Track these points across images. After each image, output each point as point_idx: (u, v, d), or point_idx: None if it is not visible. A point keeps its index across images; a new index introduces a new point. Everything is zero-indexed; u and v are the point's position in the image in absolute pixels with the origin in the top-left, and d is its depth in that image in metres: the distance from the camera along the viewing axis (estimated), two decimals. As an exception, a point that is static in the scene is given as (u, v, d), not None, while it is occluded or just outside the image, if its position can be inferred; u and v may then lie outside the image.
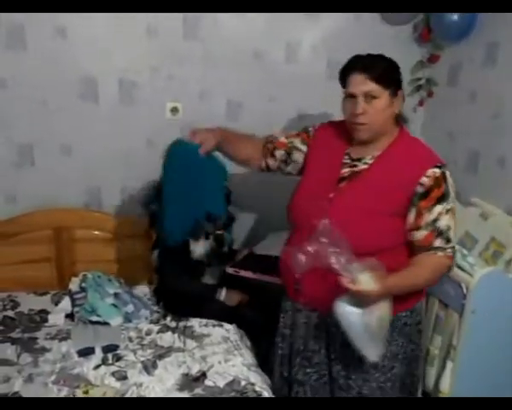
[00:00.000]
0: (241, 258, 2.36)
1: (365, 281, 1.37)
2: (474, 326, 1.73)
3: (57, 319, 2.13)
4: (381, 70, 1.51)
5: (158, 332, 2.09)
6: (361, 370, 1.63)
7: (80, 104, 2.31)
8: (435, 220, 1.50)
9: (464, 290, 1.72)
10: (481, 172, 2.33)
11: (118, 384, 1.76)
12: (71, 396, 1.67)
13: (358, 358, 1.54)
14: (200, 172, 1.75)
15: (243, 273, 2.21)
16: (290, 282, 1.66)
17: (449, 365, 1.80)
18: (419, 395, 1.94)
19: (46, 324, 2.11)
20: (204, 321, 2.15)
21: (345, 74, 1.55)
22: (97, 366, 1.85)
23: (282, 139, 1.77)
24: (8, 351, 1.91)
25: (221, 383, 1.77)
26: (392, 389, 1.67)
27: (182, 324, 2.15)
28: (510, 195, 2.15)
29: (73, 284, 2.27)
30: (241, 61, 2.41)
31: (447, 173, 1.52)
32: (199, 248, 2.16)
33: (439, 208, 1.50)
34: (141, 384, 1.75)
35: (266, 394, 1.73)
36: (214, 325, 2.13)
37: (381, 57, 1.56)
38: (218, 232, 2.25)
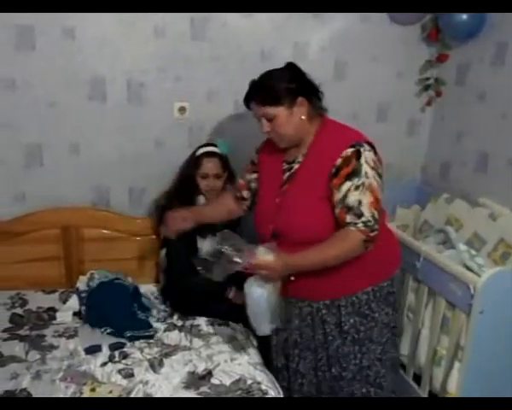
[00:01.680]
0: None
1: (262, 253, 1.57)
2: (481, 327, 1.71)
3: (65, 316, 2.15)
4: (266, 94, 1.62)
5: (165, 331, 2.10)
6: (357, 344, 1.72)
7: (88, 104, 2.32)
8: (344, 197, 1.57)
9: (472, 291, 1.70)
10: (490, 173, 2.31)
11: (124, 382, 1.77)
12: (78, 393, 1.69)
13: (353, 334, 1.70)
14: None
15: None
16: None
17: (456, 365, 1.78)
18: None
19: (54, 321, 2.13)
20: (210, 320, 2.16)
21: (246, 102, 1.72)
22: (104, 364, 1.87)
23: (241, 182, 1.94)
24: (17, 348, 1.93)
25: (227, 382, 1.78)
26: (392, 360, 1.81)
27: (188, 322, 2.16)
28: (520, 195, 2.13)
29: (81, 283, 2.29)
30: (248, 61, 2.41)
31: (362, 150, 1.58)
32: (206, 245, 2.17)
33: (347, 185, 1.56)
34: (147, 382, 1.77)
35: (272, 392, 1.73)
36: (221, 324, 2.14)
37: (273, 76, 1.65)
38: (226, 230, 2.25)
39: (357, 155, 1.57)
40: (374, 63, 2.55)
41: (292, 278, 1.69)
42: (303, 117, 1.64)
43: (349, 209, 1.55)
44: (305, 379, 1.82)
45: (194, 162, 2.21)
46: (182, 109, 2.41)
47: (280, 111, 1.61)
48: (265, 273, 1.59)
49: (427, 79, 2.58)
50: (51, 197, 2.38)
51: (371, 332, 1.72)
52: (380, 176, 1.60)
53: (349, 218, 1.56)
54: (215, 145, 2.27)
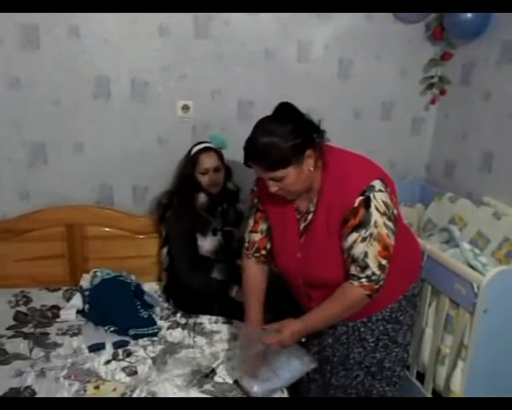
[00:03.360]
0: None
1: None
2: (485, 326, 1.70)
3: (68, 314, 2.16)
4: (273, 158, 1.46)
5: (168, 329, 2.10)
6: (385, 348, 1.70)
7: (93, 103, 2.33)
8: (350, 248, 1.51)
9: (476, 290, 1.69)
10: (495, 172, 2.30)
11: (128, 380, 1.77)
12: (82, 391, 1.69)
13: (386, 340, 1.69)
14: None
15: None
16: (303, 295, 1.73)
17: (460, 364, 1.78)
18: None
19: (58, 319, 2.14)
20: (214, 318, 2.17)
21: (246, 161, 1.55)
22: (108, 362, 1.87)
23: (258, 237, 1.76)
24: (21, 346, 1.94)
25: (230, 380, 1.78)
26: (407, 359, 1.80)
27: (192, 320, 2.16)
28: (524, 194, 2.13)
29: (84, 281, 2.30)
30: (252, 59, 2.41)
31: (372, 196, 1.47)
32: (206, 244, 2.18)
33: (353, 237, 1.50)
34: (150, 380, 1.77)
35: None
36: (224, 322, 2.14)
37: (274, 130, 1.47)
38: (227, 228, 2.26)
39: (367, 203, 1.47)
40: (378, 61, 2.54)
41: (303, 340, 1.68)
42: (311, 169, 1.53)
43: (354, 260, 1.51)
44: (338, 391, 1.77)
45: (191, 161, 2.21)
46: (185, 108, 2.41)
47: (289, 171, 1.48)
48: (279, 347, 1.60)
49: (432, 77, 2.57)
50: (55, 195, 2.39)
51: (397, 335, 1.70)
52: (391, 219, 1.51)
53: (353, 269, 1.52)
54: (208, 142, 2.27)
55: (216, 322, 2.15)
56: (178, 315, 2.20)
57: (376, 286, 1.52)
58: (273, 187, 1.54)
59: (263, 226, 1.75)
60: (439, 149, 2.70)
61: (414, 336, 2.03)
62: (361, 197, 1.48)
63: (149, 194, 2.51)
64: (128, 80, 2.34)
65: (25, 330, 2.05)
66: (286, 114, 1.52)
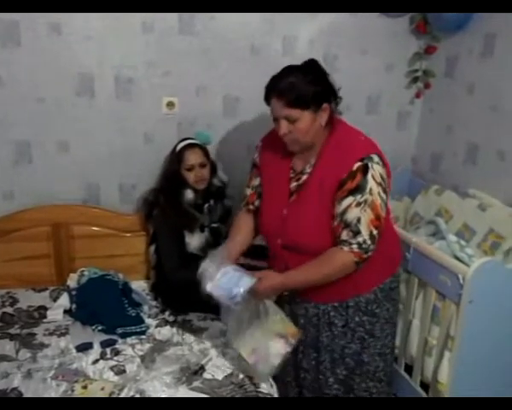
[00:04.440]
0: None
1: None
2: (471, 316, 1.72)
3: (56, 314, 2.14)
4: (296, 94, 1.51)
5: (156, 326, 2.09)
6: (361, 341, 1.72)
7: (77, 100, 2.30)
8: (343, 212, 1.53)
9: (461, 281, 1.71)
10: (480, 164, 2.32)
11: (116, 378, 1.77)
12: (69, 391, 1.68)
13: (359, 331, 1.70)
14: None
15: (243, 260, 2.20)
16: (279, 262, 1.73)
17: (446, 355, 1.79)
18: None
19: (45, 320, 2.12)
20: (202, 315, 2.16)
21: (266, 96, 1.60)
22: (96, 361, 1.86)
23: (250, 192, 1.84)
24: (7, 347, 1.92)
25: (219, 376, 1.78)
26: (390, 354, 1.82)
27: (180, 318, 2.16)
28: (509, 186, 2.14)
29: (72, 280, 2.28)
30: (237, 55, 2.40)
31: (370, 164, 1.52)
32: (194, 240, 2.17)
33: (348, 200, 1.52)
34: (139, 378, 1.76)
35: (264, 386, 1.74)
36: (213, 319, 2.14)
37: (300, 75, 1.54)
38: (214, 225, 2.26)
39: (365, 169, 1.51)
40: (363, 56, 2.54)
41: (285, 293, 1.71)
42: (322, 124, 1.58)
43: (346, 225, 1.52)
44: (309, 375, 1.82)
45: (176, 157, 2.20)
46: (170, 104, 2.39)
47: (305, 115, 1.53)
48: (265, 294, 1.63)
49: (416, 71, 2.59)
50: (41, 195, 2.36)
51: (373, 328, 1.72)
52: (385, 192, 1.55)
53: (344, 235, 1.53)
54: (193, 138, 2.27)
55: (204, 319, 2.15)
56: (167, 313, 2.19)
57: (365, 255, 1.53)
58: (284, 128, 1.55)
59: (255, 182, 1.81)
60: (424, 142, 2.71)
61: (401, 329, 2.07)
62: (359, 163, 1.51)
63: (136, 192, 2.49)
64: (112, 77, 2.31)
65: (11, 331, 2.03)
66: (312, 67, 1.59)
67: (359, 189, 1.51)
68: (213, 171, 2.29)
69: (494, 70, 2.21)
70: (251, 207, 1.84)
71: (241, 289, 1.57)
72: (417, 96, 2.65)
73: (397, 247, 1.83)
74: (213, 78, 2.41)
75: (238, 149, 2.48)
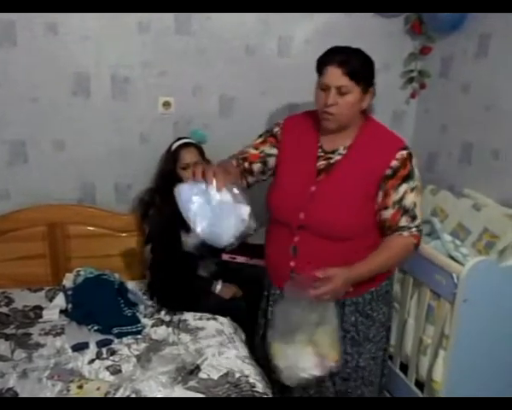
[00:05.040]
0: (234, 247, 2.36)
1: None
2: (465, 315, 1.73)
3: (51, 314, 2.14)
4: (357, 66, 1.54)
5: (152, 326, 2.09)
6: (356, 345, 1.71)
7: (73, 100, 2.30)
8: (401, 199, 1.56)
9: (455, 280, 1.72)
10: (474, 164, 2.33)
11: (112, 378, 1.76)
12: (65, 391, 1.67)
13: (354, 333, 1.68)
14: None
15: (239, 259, 2.21)
16: (283, 272, 1.68)
17: (441, 354, 1.80)
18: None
19: (40, 319, 2.11)
20: (198, 315, 2.16)
21: (322, 65, 1.59)
22: (91, 361, 1.86)
23: (253, 151, 1.75)
24: (2, 347, 1.92)
25: (215, 376, 1.78)
26: (383, 356, 1.81)
27: (176, 317, 2.15)
28: (503, 185, 2.16)
29: (67, 280, 2.28)
30: (233, 55, 2.41)
31: (412, 153, 1.60)
32: (190, 240, 2.17)
33: (404, 187, 1.56)
34: (135, 378, 1.75)
35: (260, 385, 1.74)
36: (209, 319, 2.14)
37: (358, 52, 1.59)
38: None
39: (410, 157, 1.58)
40: (359, 56, 2.55)
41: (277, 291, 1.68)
42: (364, 106, 1.61)
43: (405, 211, 1.56)
44: None
45: (172, 157, 2.21)
46: (166, 104, 2.40)
47: (356, 90, 1.54)
48: (331, 295, 1.48)
49: (411, 71, 2.60)
50: (36, 194, 2.36)
51: (368, 331, 1.71)
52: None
53: (404, 221, 1.56)
54: (188, 138, 2.27)
55: (200, 318, 2.14)
56: (163, 313, 2.19)
57: (421, 238, 1.59)
58: (332, 99, 1.54)
59: (265, 149, 1.75)
60: (420, 142, 2.72)
61: (397, 328, 2.08)
62: (405, 151, 1.57)
63: (132, 191, 2.49)
64: (108, 77, 2.31)
65: (6, 331, 2.02)
66: (364, 53, 1.61)
67: (411, 175, 1.57)
68: None
69: (488, 70, 2.22)
70: (245, 165, 1.74)
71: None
72: (412, 96, 2.66)
73: None
74: (209, 78, 2.42)
75: (234, 149, 2.45)
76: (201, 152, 2.25)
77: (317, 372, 1.56)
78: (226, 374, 1.79)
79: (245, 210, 1.44)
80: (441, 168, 2.56)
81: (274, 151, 1.74)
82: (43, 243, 2.36)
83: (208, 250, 2.25)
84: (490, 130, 2.23)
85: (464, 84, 2.37)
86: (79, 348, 1.92)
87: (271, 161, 1.75)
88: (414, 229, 1.56)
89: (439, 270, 1.81)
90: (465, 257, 1.97)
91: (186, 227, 2.17)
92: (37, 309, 2.18)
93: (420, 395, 1.97)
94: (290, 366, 1.56)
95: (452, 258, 1.96)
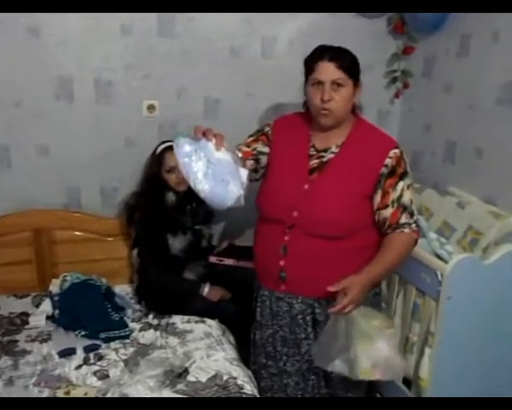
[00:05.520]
0: (222, 249, 2.36)
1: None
2: (450, 312, 1.75)
3: (38, 320, 2.12)
4: (348, 60, 1.61)
5: (140, 330, 2.08)
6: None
7: (56, 104, 2.28)
8: (400, 197, 1.60)
9: (439, 277, 1.73)
10: (458, 162, 2.36)
11: (99, 383, 1.75)
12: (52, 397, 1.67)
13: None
14: None
15: (227, 261, 2.21)
16: (272, 272, 1.68)
17: (427, 351, 1.81)
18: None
19: (27, 326, 2.09)
20: (186, 318, 2.16)
21: (312, 62, 1.62)
22: (79, 366, 1.84)
23: (245, 149, 1.74)
24: (-12, 355, 1.90)
25: (203, 378, 1.78)
26: None
27: (164, 321, 2.15)
28: (486, 183, 2.18)
29: (54, 286, 2.26)
30: (217, 57, 2.40)
31: (403, 152, 1.64)
32: (177, 243, 2.17)
33: (401, 185, 1.60)
34: (122, 383, 1.74)
35: (248, 387, 1.74)
36: (197, 321, 2.14)
37: (345, 49, 1.65)
38: (197, 227, 2.26)
39: (402, 155, 1.63)
40: (342, 57, 2.56)
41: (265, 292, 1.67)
42: (356, 101, 1.66)
43: (404, 208, 1.59)
44: (292, 380, 1.78)
45: (157, 160, 2.20)
46: (151, 107, 2.39)
47: (349, 84, 1.59)
48: (354, 306, 1.49)
49: (395, 71, 2.61)
50: (21, 200, 2.33)
51: None
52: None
53: (404, 218, 1.59)
54: (172, 141, 2.26)
55: (188, 321, 2.14)
56: (150, 316, 2.19)
57: (420, 233, 1.65)
58: (328, 94, 1.56)
59: (257, 147, 1.75)
60: (405, 141, 2.69)
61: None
62: (398, 149, 1.62)
63: (118, 195, 2.48)
64: (91, 80, 2.30)
65: (-8, 338, 2.01)
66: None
67: (405, 173, 1.61)
68: None
69: (470, 69, 2.24)
70: None
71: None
72: (396, 96, 2.68)
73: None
74: (194, 80, 2.41)
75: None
76: None
77: (392, 341, 1.58)
78: (214, 376, 1.79)
79: (244, 173, 1.42)
80: (425, 167, 2.58)
81: (266, 149, 1.75)
82: (29, 249, 2.34)
83: (194, 254, 2.26)
84: (472, 128, 2.25)
85: (447, 84, 2.39)
86: (66, 353, 1.90)
87: (264, 159, 1.75)
88: (414, 225, 1.61)
89: (424, 268, 1.82)
90: (450, 255, 1.99)
91: (172, 230, 2.18)
92: (24, 316, 2.16)
93: (407, 392, 1.98)
94: (382, 365, 1.53)
95: (438, 256, 1.98)
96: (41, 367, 1.83)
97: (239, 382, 1.76)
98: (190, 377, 1.79)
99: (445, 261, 1.88)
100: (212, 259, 2.25)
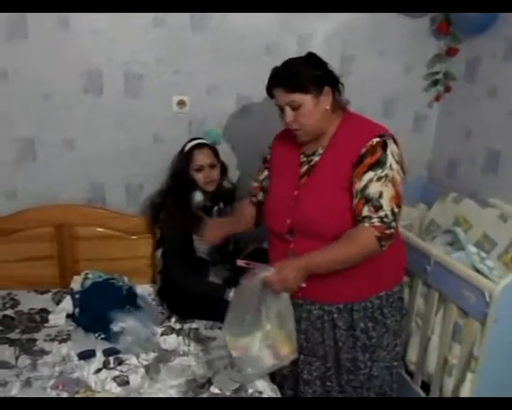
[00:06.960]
0: (249, 252, 2.28)
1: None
2: (496, 336, 1.62)
3: (58, 319, 2.07)
4: (296, 78, 1.54)
5: (162, 335, 2.01)
6: (368, 351, 1.65)
7: (84, 97, 2.23)
8: (365, 188, 1.49)
9: (487, 299, 1.61)
10: (501, 172, 2.23)
11: (118, 390, 1.69)
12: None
13: (365, 339, 1.63)
14: None
15: (255, 265, 2.12)
16: (281, 251, 1.67)
17: (469, 376, 1.70)
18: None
19: (46, 324, 2.05)
20: (210, 323, 2.09)
21: (269, 89, 1.62)
22: (98, 370, 1.78)
23: (255, 185, 1.86)
24: (7, 352, 1.86)
25: (227, 391, 1.70)
26: (398, 367, 1.75)
27: (187, 326, 2.08)
28: (532, 196, 2.05)
29: (75, 283, 2.21)
30: (251, 54, 2.31)
31: (389, 141, 1.52)
32: (202, 245, 2.09)
33: (369, 175, 1.49)
34: (143, 391, 1.68)
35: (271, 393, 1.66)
36: (221, 328, 2.05)
37: (299, 61, 1.58)
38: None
39: (384, 145, 1.50)
40: (381, 57, 2.45)
41: (303, 285, 1.58)
42: (327, 107, 1.57)
43: (368, 200, 1.47)
44: (310, 388, 1.74)
45: (185, 158, 2.13)
46: (181, 103, 2.31)
47: (307, 99, 1.53)
48: (281, 285, 1.49)
49: (436, 73, 2.49)
50: (44, 194, 2.29)
51: (382, 339, 1.65)
52: (403, 170, 1.53)
53: (366, 210, 1.47)
54: (202, 138, 2.19)
55: (212, 328, 2.07)
56: (173, 320, 2.12)
57: (387, 231, 1.46)
58: (290, 116, 1.56)
59: (261, 176, 1.83)
60: (441, 147, 2.62)
61: (419, 345, 1.98)
62: (378, 138, 1.51)
63: (144, 192, 2.42)
64: (121, 74, 2.24)
65: (11, 336, 1.96)
66: (311, 56, 1.61)
67: (380, 163, 1.48)
68: (223, 172, 2.21)
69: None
70: (253, 199, 1.87)
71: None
72: (437, 99, 2.55)
73: (402, 252, 1.75)
74: (225, 76, 2.33)
75: (250, 150, 2.38)
76: (216, 153, 2.17)
77: (276, 362, 1.55)
78: (239, 389, 1.71)
79: None
80: (462, 175, 2.46)
81: (266, 173, 1.81)
82: (51, 245, 2.30)
83: (220, 257, 2.18)
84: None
85: (491, 88, 2.26)
86: (86, 356, 1.85)
87: (266, 184, 1.81)
88: (376, 219, 1.45)
89: (467, 286, 1.70)
90: (491, 270, 1.86)
91: (198, 231, 2.10)
92: (44, 313, 2.12)
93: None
94: (247, 356, 1.54)
95: (477, 270, 1.86)
96: (59, 369, 1.78)
97: (265, 396, 1.67)
98: (213, 389, 1.71)
99: (486, 277, 1.77)
100: (240, 262, 2.16)
